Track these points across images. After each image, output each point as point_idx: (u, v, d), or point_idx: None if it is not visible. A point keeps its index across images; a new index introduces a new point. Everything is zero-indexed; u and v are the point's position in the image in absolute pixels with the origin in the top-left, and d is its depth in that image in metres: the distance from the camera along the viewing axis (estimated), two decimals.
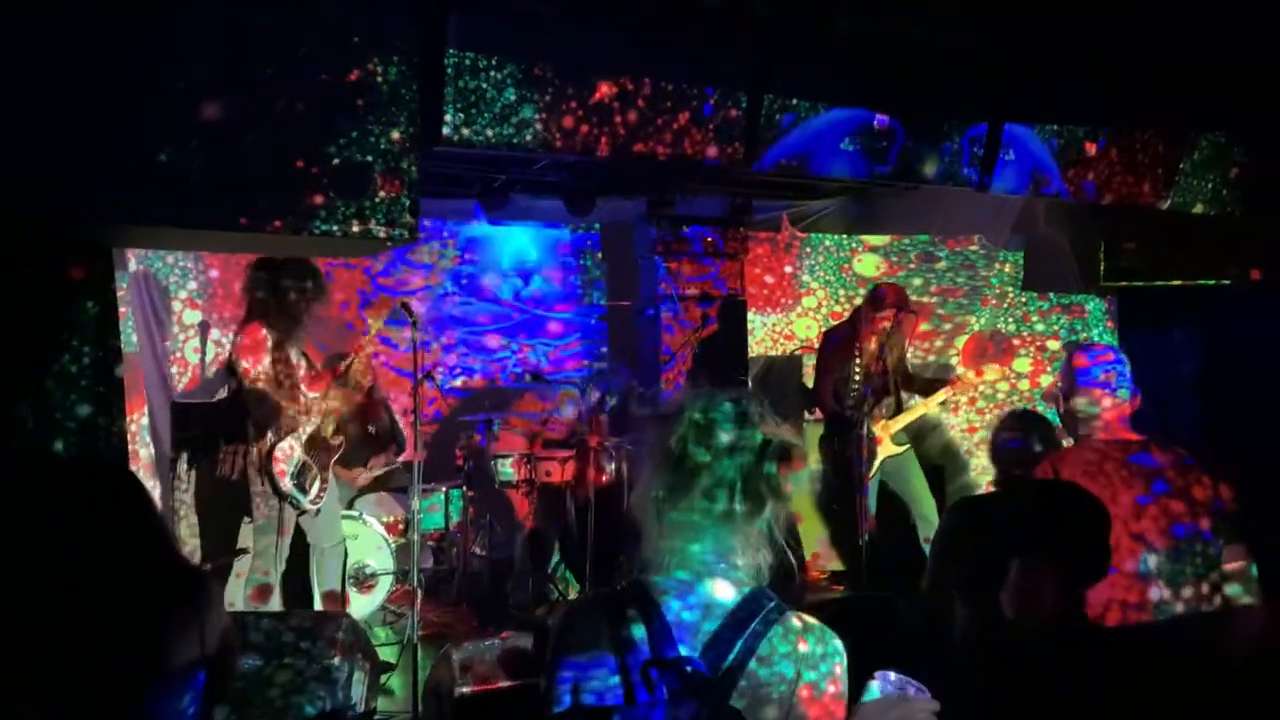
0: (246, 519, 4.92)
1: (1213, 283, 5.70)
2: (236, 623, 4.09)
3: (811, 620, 1.58)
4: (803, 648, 1.53)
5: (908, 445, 5.91)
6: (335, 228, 3.26)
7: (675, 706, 1.44)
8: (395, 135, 3.39)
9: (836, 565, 6.41)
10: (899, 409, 5.89)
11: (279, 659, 3.64)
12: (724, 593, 1.54)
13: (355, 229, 3.29)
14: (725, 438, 1.56)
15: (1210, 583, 2.64)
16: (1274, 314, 5.61)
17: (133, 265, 5.99)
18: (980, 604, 2.50)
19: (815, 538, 6.55)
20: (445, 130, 3.54)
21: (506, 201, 6.47)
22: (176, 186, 3.11)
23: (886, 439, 5.81)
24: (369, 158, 3.33)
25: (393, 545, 6.01)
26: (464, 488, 6.45)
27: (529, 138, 3.71)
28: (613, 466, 6.11)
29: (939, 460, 6.81)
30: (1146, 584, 2.61)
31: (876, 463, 5.77)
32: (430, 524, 6.95)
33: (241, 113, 3.15)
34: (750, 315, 7.56)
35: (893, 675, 1.67)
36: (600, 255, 7.70)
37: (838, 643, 1.59)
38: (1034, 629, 2.42)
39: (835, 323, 6.96)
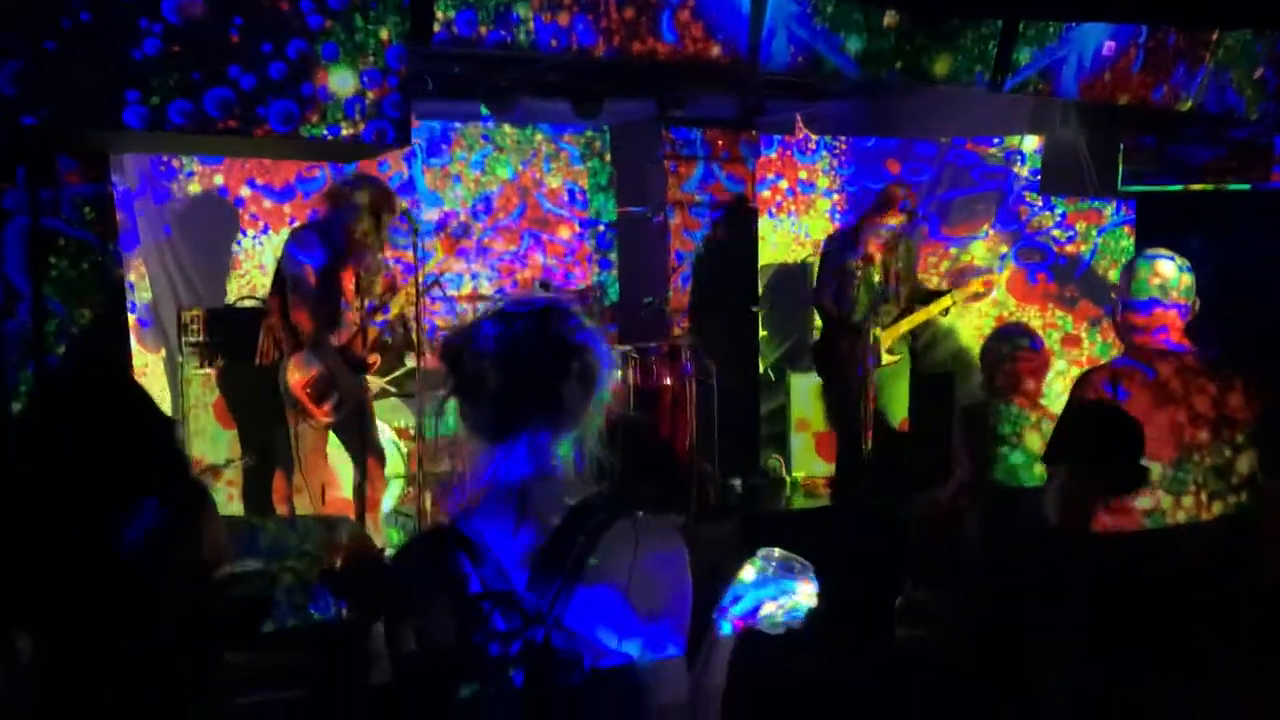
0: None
1: (1232, 187, 5.57)
2: (242, 527, 4.19)
3: (647, 517, 1.52)
4: (634, 547, 1.47)
5: (900, 355, 5.81)
6: (323, 130, 3.21)
7: (507, 640, 1.42)
8: (384, 34, 3.30)
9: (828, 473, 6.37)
10: (901, 317, 5.76)
11: (282, 562, 3.70)
12: (547, 510, 1.49)
13: (344, 131, 3.23)
14: (522, 348, 1.49)
15: (1211, 492, 2.64)
16: None
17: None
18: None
19: (811, 446, 6.56)
20: (435, 28, 3.43)
21: (513, 104, 6.33)
22: (162, 88, 3.06)
23: (880, 349, 5.71)
24: (356, 56, 3.25)
25: (404, 450, 6.06)
26: None
27: (522, 36, 3.60)
28: (619, 374, 6.10)
29: (950, 367, 6.76)
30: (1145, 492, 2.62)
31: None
32: (443, 429, 6.94)
33: (221, 9, 3.07)
34: (762, 221, 7.44)
35: (776, 552, 1.62)
36: (609, 159, 7.54)
37: (677, 538, 1.53)
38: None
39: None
